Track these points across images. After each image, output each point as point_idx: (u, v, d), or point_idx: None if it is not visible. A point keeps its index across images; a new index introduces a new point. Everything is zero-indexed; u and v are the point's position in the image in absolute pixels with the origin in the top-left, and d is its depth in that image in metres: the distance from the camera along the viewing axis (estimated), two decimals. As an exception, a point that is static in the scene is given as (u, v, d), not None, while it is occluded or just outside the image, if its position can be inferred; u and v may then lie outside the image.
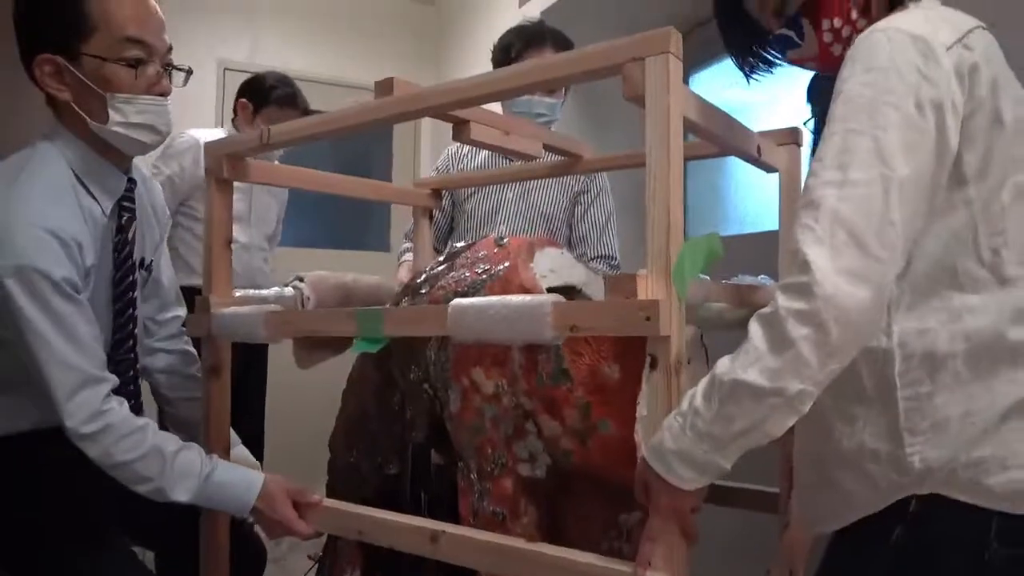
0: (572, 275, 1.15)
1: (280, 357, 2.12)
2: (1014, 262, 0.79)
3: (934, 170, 0.76)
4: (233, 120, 2.59)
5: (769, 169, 1.30)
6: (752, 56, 0.96)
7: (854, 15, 0.86)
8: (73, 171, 1.15)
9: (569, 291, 1.14)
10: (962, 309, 0.78)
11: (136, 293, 1.26)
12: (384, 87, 1.13)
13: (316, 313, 1.31)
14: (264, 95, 2.48)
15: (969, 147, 0.77)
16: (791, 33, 0.89)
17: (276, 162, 2.60)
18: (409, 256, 1.98)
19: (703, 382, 0.79)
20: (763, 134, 1.25)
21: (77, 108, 1.13)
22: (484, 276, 1.11)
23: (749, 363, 0.74)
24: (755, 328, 0.76)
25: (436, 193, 1.87)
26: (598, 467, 1.01)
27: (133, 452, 1.09)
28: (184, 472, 1.12)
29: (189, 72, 1.26)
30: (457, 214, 2.04)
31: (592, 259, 1.94)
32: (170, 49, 1.21)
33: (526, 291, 1.04)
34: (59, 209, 1.09)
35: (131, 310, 1.26)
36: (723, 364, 0.77)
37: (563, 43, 1.88)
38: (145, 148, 1.20)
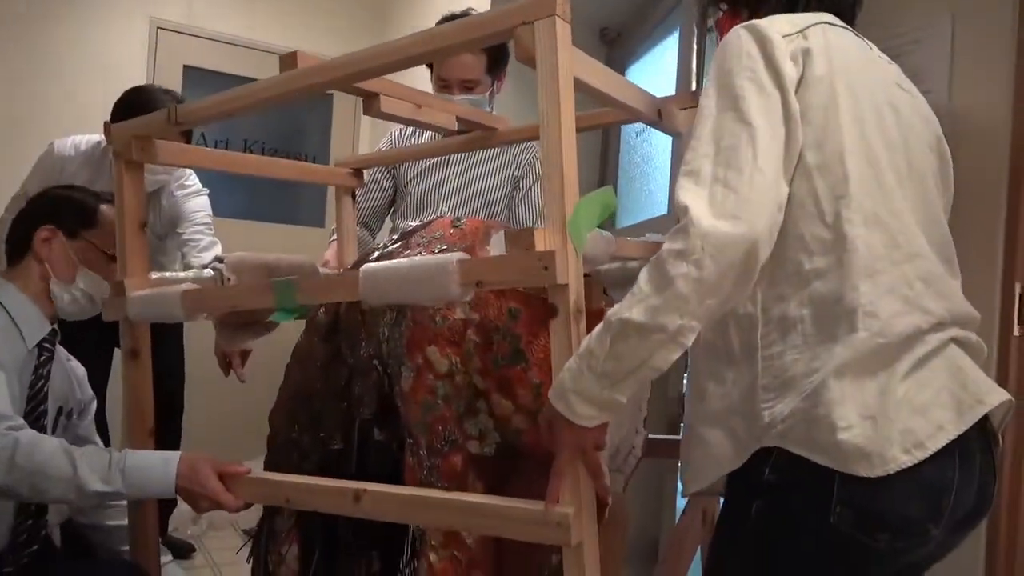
0: None
1: (201, 330, 2.00)
2: (857, 222, 0.84)
3: (786, 131, 0.84)
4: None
5: (673, 133, 1.36)
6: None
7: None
8: (6, 307, 1.36)
9: None
10: (810, 274, 0.84)
11: (46, 428, 1.37)
12: (288, 61, 1.14)
13: (232, 288, 1.31)
14: (124, 109, 2.08)
15: (806, 121, 0.86)
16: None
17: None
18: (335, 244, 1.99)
19: (599, 326, 0.84)
20: (664, 99, 1.30)
21: (51, 268, 1.41)
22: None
23: (634, 303, 0.80)
24: (642, 272, 0.82)
25: (357, 173, 1.88)
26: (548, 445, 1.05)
27: (38, 456, 1.11)
28: (95, 464, 1.14)
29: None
30: (400, 196, 2.06)
31: None
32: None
33: None
34: None
35: None
36: (614, 308, 0.83)
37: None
38: (84, 314, 1.44)
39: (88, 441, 1.49)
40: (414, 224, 1.31)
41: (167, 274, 1.44)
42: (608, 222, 1.07)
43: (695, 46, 2.31)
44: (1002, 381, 1.34)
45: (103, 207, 1.47)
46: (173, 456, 1.18)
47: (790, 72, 0.86)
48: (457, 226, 1.20)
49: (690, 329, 0.80)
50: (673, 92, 2.40)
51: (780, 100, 0.84)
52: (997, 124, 1.45)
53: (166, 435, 2.48)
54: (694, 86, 2.39)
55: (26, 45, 3.05)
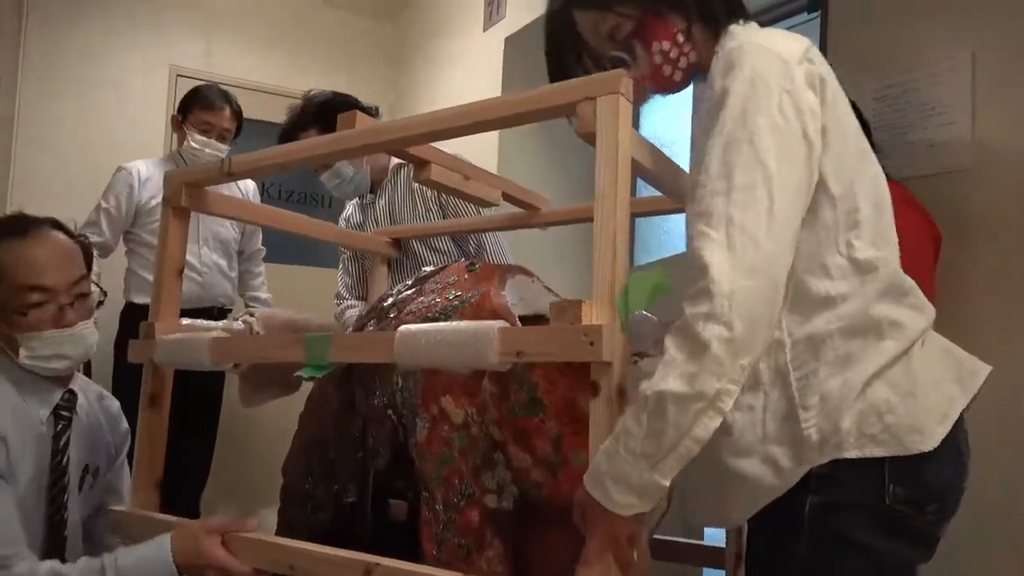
0: (540, 304, 1.16)
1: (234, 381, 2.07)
2: (865, 247, 0.88)
3: (804, 170, 0.84)
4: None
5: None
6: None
7: (680, 39, 0.96)
8: (11, 382, 1.26)
9: (539, 320, 1.15)
10: (835, 296, 0.87)
11: (68, 497, 1.29)
12: (347, 121, 1.16)
13: (263, 338, 1.29)
14: (186, 102, 2.59)
15: (824, 147, 0.86)
16: (623, 54, 0.98)
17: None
18: (353, 312, 1.99)
19: (632, 405, 0.80)
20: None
21: (2, 343, 1.26)
22: (456, 302, 1.11)
23: (668, 373, 0.77)
24: (669, 340, 0.80)
25: (396, 243, 1.89)
26: (569, 500, 1.00)
27: None
28: (88, 572, 1.09)
29: (103, 296, 1.37)
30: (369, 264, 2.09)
31: None
32: (81, 278, 1.29)
33: (498, 318, 1.04)
34: None
35: (62, 513, 1.28)
36: (646, 382, 0.79)
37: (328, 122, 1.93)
38: (61, 372, 1.29)
39: (116, 493, 1.42)
40: (428, 270, 1.30)
41: (197, 322, 1.42)
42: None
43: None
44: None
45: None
46: (164, 539, 1.10)
47: (812, 104, 0.85)
48: (472, 270, 1.18)
49: (727, 393, 0.77)
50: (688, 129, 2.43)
51: (801, 135, 0.83)
52: (1021, 153, 1.52)
53: (199, 449, 2.52)
54: None
55: (77, 82, 3.19)
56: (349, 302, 2.08)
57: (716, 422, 0.77)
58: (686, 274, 0.81)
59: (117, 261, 2.60)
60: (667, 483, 0.79)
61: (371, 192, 2.06)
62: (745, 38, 0.89)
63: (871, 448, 0.83)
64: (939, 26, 1.71)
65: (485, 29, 3.08)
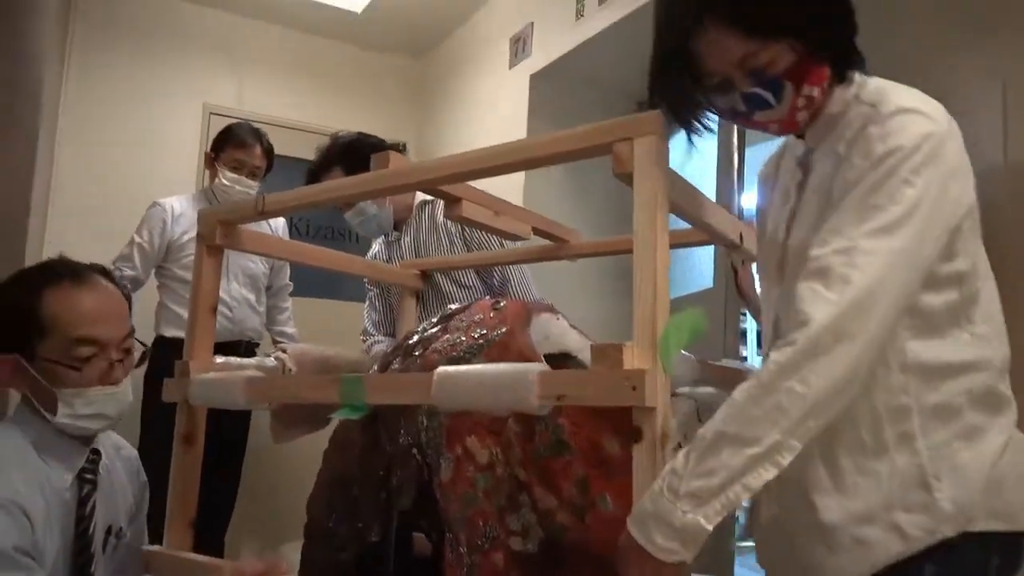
0: (566, 341, 1.15)
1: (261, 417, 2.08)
2: (983, 321, 0.89)
3: (932, 249, 0.83)
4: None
5: (751, 258, 1.34)
6: (692, 112, 0.94)
7: (826, 86, 0.90)
8: (33, 446, 1.16)
9: (564, 358, 1.14)
10: (962, 366, 0.87)
11: (94, 567, 1.22)
12: (381, 161, 1.17)
13: (297, 378, 1.29)
14: (218, 140, 2.64)
15: (963, 229, 0.86)
16: (768, 94, 0.88)
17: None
18: (380, 347, 1.99)
19: (686, 446, 0.79)
20: (747, 223, 1.29)
21: (33, 399, 1.17)
22: (481, 341, 1.11)
23: (728, 414, 0.76)
24: (741, 386, 0.78)
25: (424, 275, 1.90)
26: (595, 544, 0.98)
27: None
28: None
29: (146, 352, 1.29)
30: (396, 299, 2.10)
31: None
32: (130, 333, 1.23)
33: (524, 357, 1.04)
34: (9, 479, 1.09)
35: None
36: (704, 426, 0.78)
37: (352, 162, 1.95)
38: (96, 432, 1.22)
39: (137, 552, 1.33)
40: (453, 307, 1.29)
41: (231, 360, 1.43)
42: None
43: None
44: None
45: (46, 295, 1.15)
46: None
47: (963, 186, 0.86)
48: (497, 309, 1.17)
49: (788, 449, 0.75)
50: (714, 167, 2.41)
51: (942, 216, 0.83)
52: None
53: (225, 486, 2.52)
54: (735, 161, 2.39)
55: (115, 120, 3.28)
56: (376, 338, 2.09)
57: (771, 474, 0.75)
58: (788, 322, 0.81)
59: (148, 295, 2.64)
60: (710, 528, 0.76)
61: (396, 229, 2.08)
62: (899, 100, 0.86)
63: (994, 522, 0.84)
64: (968, 57, 1.69)
65: (511, 67, 3.11)
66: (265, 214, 1.32)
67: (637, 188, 0.88)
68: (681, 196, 0.98)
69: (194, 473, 1.32)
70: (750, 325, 5.29)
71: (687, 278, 2.57)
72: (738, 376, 1.18)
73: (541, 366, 0.91)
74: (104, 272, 1.25)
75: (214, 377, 1.26)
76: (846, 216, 0.82)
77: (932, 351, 0.86)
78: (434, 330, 1.24)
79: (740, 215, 2.45)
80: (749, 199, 2.39)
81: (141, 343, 1.27)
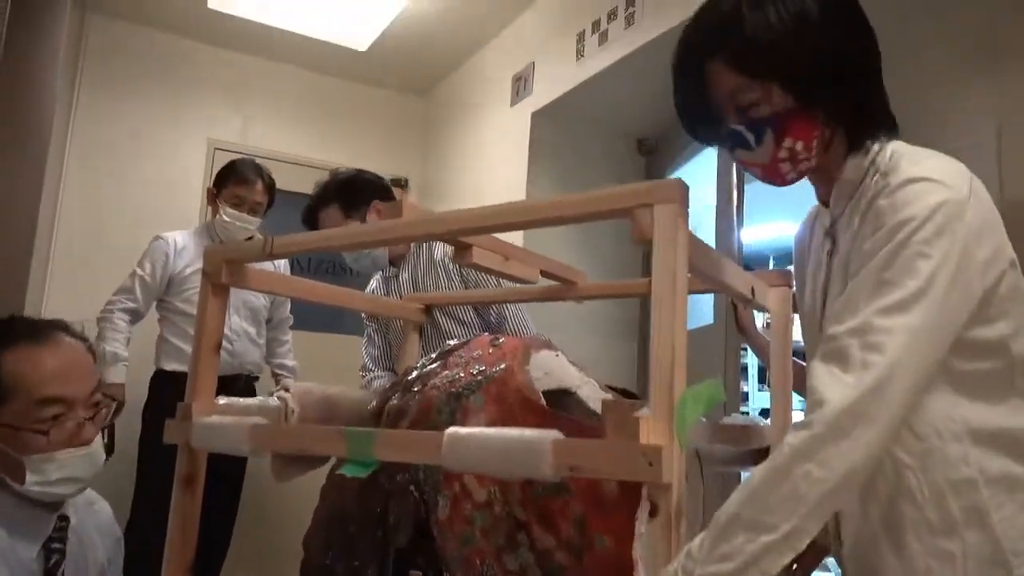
0: (566, 378, 1.14)
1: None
2: None
3: (955, 321, 0.81)
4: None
5: (762, 309, 1.34)
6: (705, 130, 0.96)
7: (814, 144, 0.90)
8: None
9: (564, 394, 1.13)
10: (1016, 431, 0.85)
11: None
12: (394, 211, 1.16)
13: (303, 429, 1.27)
14: (221, 176, 2.68)
15: (992, 290, 0.85)
16: (749, 135, 0.90)
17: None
18: (380, 383, 1.98)
19: (704, 530, 0.78)
20: (756, 275, 1.29)
21: None
22: (480, 377, 1.10)
23: (745, 498, 0.75)
24: (757, 468, 0.77)
25: (427, 309, 1.88)
26: None
27: None
28: None
29: (119, 406, 1.23)
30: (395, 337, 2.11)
31: None
32: (97, 387, 1.16)
33: (523, 394, 1.03)
34: None
35: None
36: (722, 508, 0.77)
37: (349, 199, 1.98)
38: (67, 497, 1.14)
39: None
40: (452, 343, 1.29)
41: (234, 402, 1.41)
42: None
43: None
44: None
45: (4, 357, 1.08)
46: None
47: (985, 254, 0.83)
48: (496, 345, 1.16)
49: (804, 534, 0.74)
50: (713, 203, 2.41)
51: (961, 278, 0.80)
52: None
53: (222, 523, 2.50)
54: (734, 198, 2.40)
55: (121, 155, 3.28)
56: (376, 373, 2.08)
57: (787, 558, 0.74)
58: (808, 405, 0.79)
59: (148, 328, 2.62)
60: None
61: (393, 265, 2.08)
62: (909, 170, 0.85)
63: None
64: (962, 99, 1.70)
65: (513, 104, 3.15)
66: (272, 256, 1.31)
67: (656, 257, 0.88)
68: (700, 260, 0.98)
69: (194, 516, 1.29)
70: (751, 360, 5.34)
71: (688, 315, 2.55)
72: (750, 433, 1.18)
73: (555, 434, 0.89)
74: (65, 328, 1.19)
75: (218, 422, 1.25)
76: (860, 292, 0.81)
77: (989, 418, 0.85)
78: (433, 366, 1.24)
79: (740, 250, 2.45)
80: (748, 234, 2.40)
81: (109, 397, 1.20)
